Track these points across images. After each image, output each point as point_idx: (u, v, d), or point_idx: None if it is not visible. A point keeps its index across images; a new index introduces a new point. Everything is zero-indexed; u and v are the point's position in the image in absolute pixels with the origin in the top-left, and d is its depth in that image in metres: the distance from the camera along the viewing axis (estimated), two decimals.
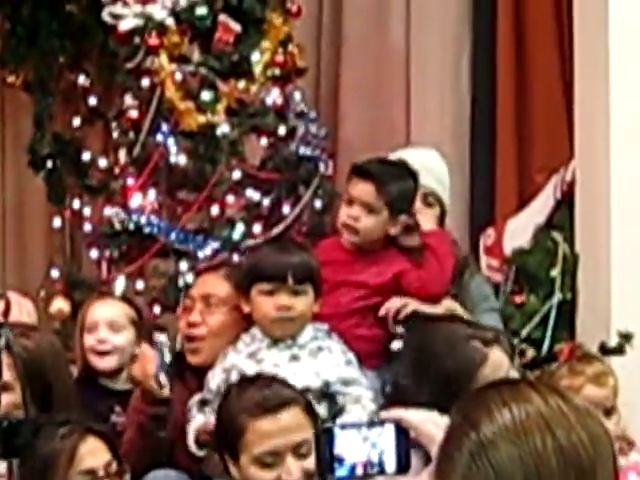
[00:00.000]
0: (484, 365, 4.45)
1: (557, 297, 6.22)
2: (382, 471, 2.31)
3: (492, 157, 7.24)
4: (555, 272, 6.28)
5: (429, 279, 5.32)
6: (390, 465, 2.30)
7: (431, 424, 2.43)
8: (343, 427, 2.33)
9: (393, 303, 5.25)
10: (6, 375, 3.84)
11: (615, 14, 6.29)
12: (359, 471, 2.28)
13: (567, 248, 6.31)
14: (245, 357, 4.97)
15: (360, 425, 2.38)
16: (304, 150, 6.56)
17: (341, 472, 2.27)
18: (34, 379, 4.23)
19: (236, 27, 6.47)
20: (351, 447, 2.30)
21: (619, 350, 5.59)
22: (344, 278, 5.38)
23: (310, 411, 4.44)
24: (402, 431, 2.34)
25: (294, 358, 4.91)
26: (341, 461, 2.28)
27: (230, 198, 6.38)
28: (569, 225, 6.44)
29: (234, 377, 4.87)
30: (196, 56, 6.46)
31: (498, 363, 4.52)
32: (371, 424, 2.42)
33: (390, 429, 2.32)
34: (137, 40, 6.45)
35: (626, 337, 5.53)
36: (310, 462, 4.30)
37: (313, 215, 6.58)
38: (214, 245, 6.38)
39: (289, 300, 4.97)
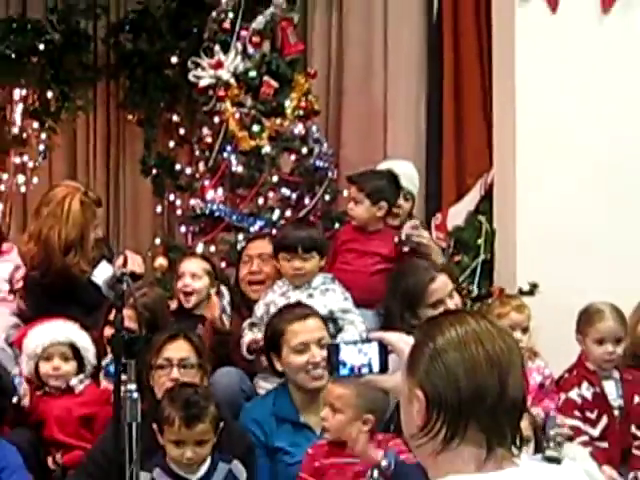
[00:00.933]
0: (433, 282, 5.41)
1: (481, 257, 6.83)
2: (370, 371, 2.61)
3: (439, 165, 8.00)
4: (480, 241, 6.89)
5: None
6: (375, 367, 2.62)
7: (402, 342, 2.62)
8: (346, 342, 2.65)
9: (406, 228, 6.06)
10: (127, 312, 4.57)
11: (520, 68, 6.65)
12: (356, 371, 2.60)
13: (488, 226, 6.93)
14: (279, 295, 5.72)
15: (356, 341, 2.67)
16: (319, 163, 7.47)
17: (344, 372, 2.59)
18: (148, 318, 5.04)
19: (275, 84, 7.32)
20: (350, 355, 2.60)
21: (531, 292, 6.21)
22: (364, 249, 6.08)
23: (324, 321, 5.24)
24: (383, 346, 2.63)
25: (310, 296, 5.65)
26: (344, 364, 2.60)
27: (270, 194, 7.30)
28: (489, 211, 7.06)
29: (272, 308, 5.56)
30: (249, 102, 7.35)
31: (444, 283, 5.48)
32: (363, 341, 2.68)
33: (375, 344, 2.62)
34: (211, 92, 7.41)
35: (534, 285, 6.18)
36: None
37: (324, 205, 7.50)
38: (260, 224, 7.20)
39: (300, 264, 5.66)
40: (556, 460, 2.57)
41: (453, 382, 2.30)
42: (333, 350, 2.54)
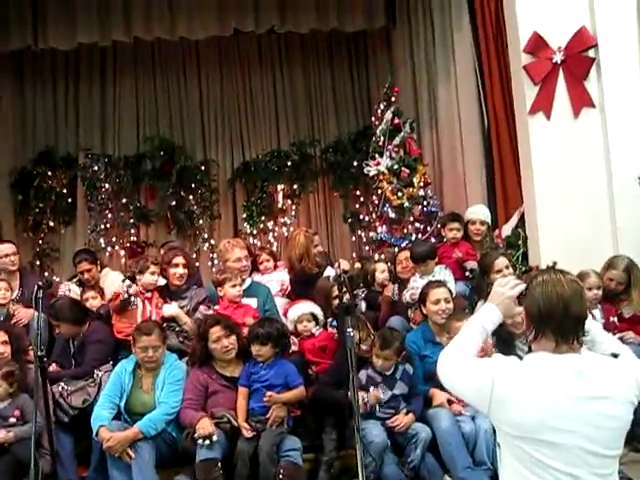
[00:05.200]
0: (497, 260, 5.43)
1: (521, 251, 6.53)
2: None
3: (495, 204, 7.30)
4: (520, 242, 6.61)
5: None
6: None
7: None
8: None
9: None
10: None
11: (534, 150, 6.27)
12: None
13: (523, 234, 6.64)
14: (419, 279, 5.55)
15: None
16: (433, 209, 7.39)
17: None
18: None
19: (407, 171, 7.38)
20: None
21: (553, 267, 4.63)
22: (450, 255, 6.10)
23: (447, 288, 5.11)
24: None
25: (433, 276, 5.49)
26: None
27: (410, 226, 7.24)
28: (523, 226, 6.70)
29: (417, 284, 5.40)
30: (395, 181, 7.34)
31: (502, 260, 5.46)
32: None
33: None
34: (375, 178, 7.38)
35: (555, 262, 4.72)
36: None
37: (436, 231, 7.12)
38: (405, 242, 6.97)
39: (424, 267, 5.57)
40: (614, 355, 2.39)
41: (536, 306, 2.36)
42: None
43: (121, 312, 5.30)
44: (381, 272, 6.15)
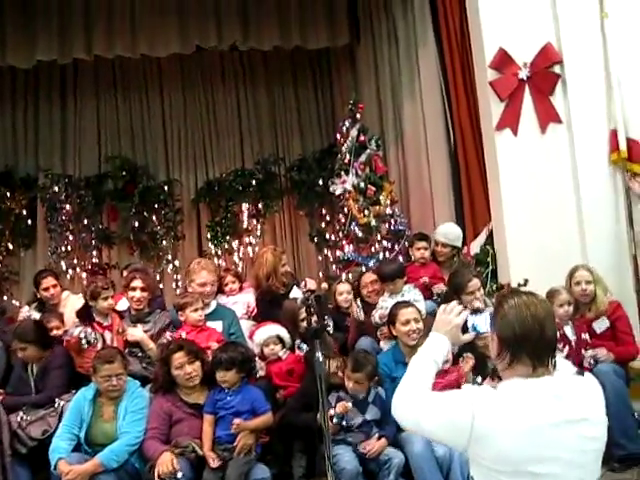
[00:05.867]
0: (470, 282, 5.24)
1: (490, 268, 6.39)
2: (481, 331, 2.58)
3: (464, 222, 7.05)
4: (489, 258, 6.47)
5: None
6: (483, 328, 2.55)
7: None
8: (471, 314, 2.54)
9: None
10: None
11: (502, 166, 6.21)
12: (474, 329, 2.53)
13: (492, 251, 6.51)
14: (388, 298, 5.45)
15: (476, 312, 2.57)
16: (400, 227, 7.25)
17: (470, 332, 2.51)
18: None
19: (373, 188, 7.21)
20: (478, 320, 2.53)
21: (525, 284, 5.20)
22: (421, 276, 5.97)
23: (415, 308, 4.96)
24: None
25: (402, 296, 5.39)
26: (474, 326, 2.53)
27: (377, 245, 7.09)
28: (491, 243, 6.55)
29: (386, 304, 5.27)
30: (361, 200, 7.19)
31: (476, 282, 5.28)
32: (478, 312, 2.60)
33: (488, 314, 2.51)
34: (341, 196, 7.30)
35: (526, 280, 5.29)
36: None
37: (404, 249, 6.95)
38: (373, 261, 6.89)
39: (392, 286, 5.49)
40: (580, 373, 2.30)
41: (511, 330, 2.26)
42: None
43: (80, 353, 5.10)
44: (340, 294, 6.02)
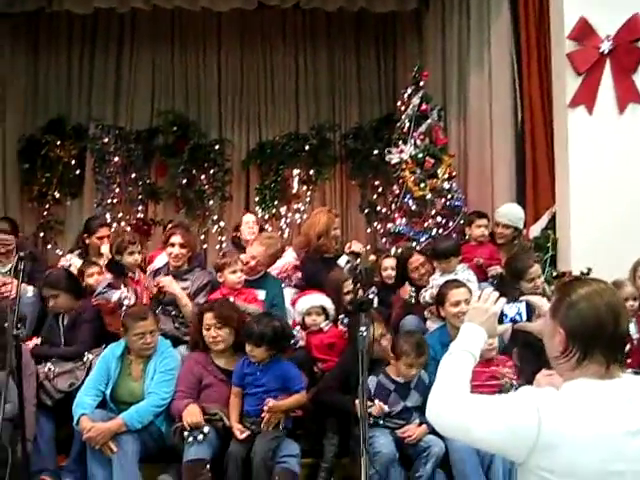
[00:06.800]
0: (532, 268, 5.16)
1: (550, 254, 6.21)
2: (521, 320, 2.41)
3: (525, 203, 6.69)
4: (549, 244, 6.27)
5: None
6: (524, 317, 2.40)
7: (540, 301, 2.47)
8: (507, 302, 2.37)
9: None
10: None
11: (571, 145, 6.03)
12: (513, 319, 2.40)
13: (553, 236, 6.33)
14: (439, 276, 5.37)
15: (511, 301, 2.42)
16: (456, 203, 7.05)
17: (506, 320, 2.38)
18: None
19: (432, 161, 7.03)
20: (509, 310, 2.38)
21: (588, 273, 5.40)
22: (477, 256, 5.89)
23: (468, 288, 4.77)
24: (528, 304, 2.43)
25: (455, 274, 5.29)
26: (506, 316, 2.38)
27: (430, 220, 6.91)
28: (553, 228, 6.39)
29: (437, 282, 5.22)
30: (418, 171, 7.03)
31: (537, 269, 5.22)
32: (515, 300, 2.44)
33: (524, 303, 2.42)
34: (397, 167, 7.15)
35: (589, 269, 5.47)
36: None
37: (459, 227, 6.86)
38: (425, 236, 6.82)
39: (445, 265, 5.37)
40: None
41: (583, 321, 2.05)
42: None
43: (112, 313, 4.97)
44: (384, 269, 5.90)
